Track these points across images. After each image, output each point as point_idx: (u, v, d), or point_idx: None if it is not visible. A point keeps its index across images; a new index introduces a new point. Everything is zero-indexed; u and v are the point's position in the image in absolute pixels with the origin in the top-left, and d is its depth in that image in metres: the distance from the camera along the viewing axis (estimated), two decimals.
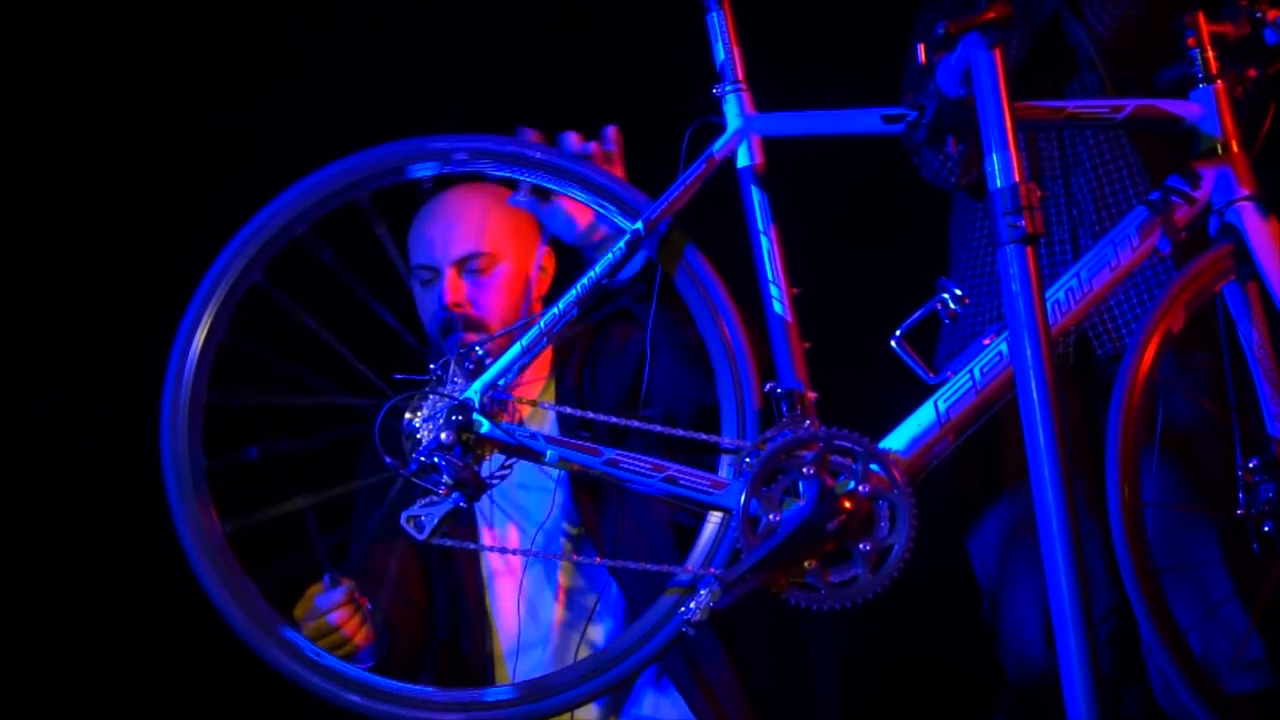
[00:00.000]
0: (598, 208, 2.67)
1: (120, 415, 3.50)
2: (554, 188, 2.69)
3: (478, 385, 2.54)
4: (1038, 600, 3.12)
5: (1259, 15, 2.72)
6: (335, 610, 2.81)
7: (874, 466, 2.54)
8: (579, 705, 2.59)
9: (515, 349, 2.58)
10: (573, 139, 2.77)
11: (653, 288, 2.73)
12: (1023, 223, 2.32)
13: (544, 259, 3.22)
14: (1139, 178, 3.13)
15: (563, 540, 3.09)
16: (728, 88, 2.65)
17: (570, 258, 3.02)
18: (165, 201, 4.12)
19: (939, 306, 2.61)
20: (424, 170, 2.63)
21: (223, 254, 2.59)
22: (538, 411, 3.10)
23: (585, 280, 2.60)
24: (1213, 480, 2.95)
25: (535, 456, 2.55)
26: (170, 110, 4.15)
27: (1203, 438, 2.96)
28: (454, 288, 3.15)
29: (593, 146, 2.78)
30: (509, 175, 2.69)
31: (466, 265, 3.15)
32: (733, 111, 2.65)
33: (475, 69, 4.22)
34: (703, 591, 2.50)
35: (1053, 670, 2.95)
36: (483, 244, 3.15)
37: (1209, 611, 2.97)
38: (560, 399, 3.09)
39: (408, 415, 2.55)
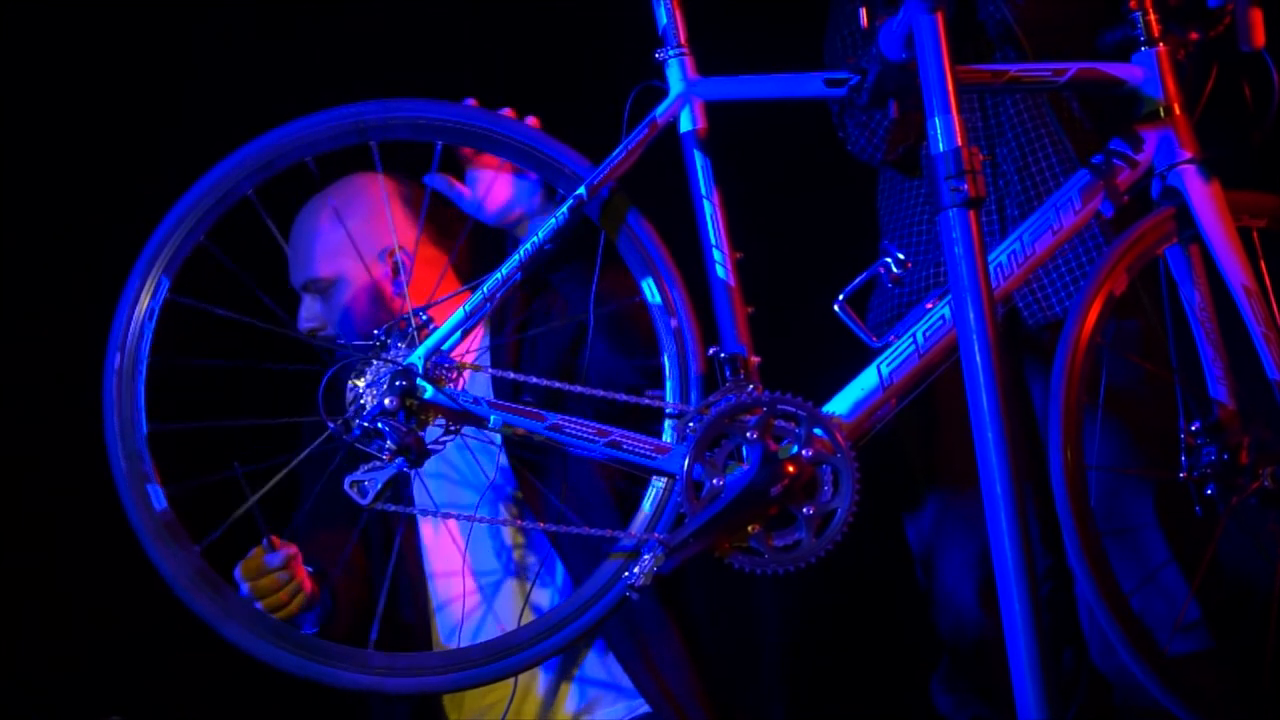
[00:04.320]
0: (537, 173, 2.66)
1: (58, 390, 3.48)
2: (491, 153, 2.70)
3: (421, 351, 2.54)
4: (972, 566, 3.14)
5: None
6: (274, 573, 2.80)
7: (817, 431, 2.55)
8: (522, 671, 2.60)
9: (459, 314, 2.57)
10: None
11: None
12: (965, 186, 2.31)
13: (417, 248, 3.13)
14: (1062, 147, 3.13)
15: (503, 506, 3.08)
16: (670, 52, 2.64)
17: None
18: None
19: (881, 271, 2.62)
20: (348, 141, 2.61)
21: (168, 216, 2.57)
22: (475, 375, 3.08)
23: (529, 245, 2.58)
24: (1154, 444, 2.96)
25: (479, 422, 2.55)
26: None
27: (1145, 401, 2.97)
28: (307, 314, 3.17)
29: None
30: (454, 144, 2.69)
31: (310, 289, 3.16)
32: (675, 76, 2.64)
33: (412, 31, 4.16)
34: (646, 556, 2.50)
35: (988, 633, 2.97)
36: (315, 269, 3.13)
37: (1147, 575, 2.99)
38: (496, 361, 3.08)
39: (351, 381, 2.54)
